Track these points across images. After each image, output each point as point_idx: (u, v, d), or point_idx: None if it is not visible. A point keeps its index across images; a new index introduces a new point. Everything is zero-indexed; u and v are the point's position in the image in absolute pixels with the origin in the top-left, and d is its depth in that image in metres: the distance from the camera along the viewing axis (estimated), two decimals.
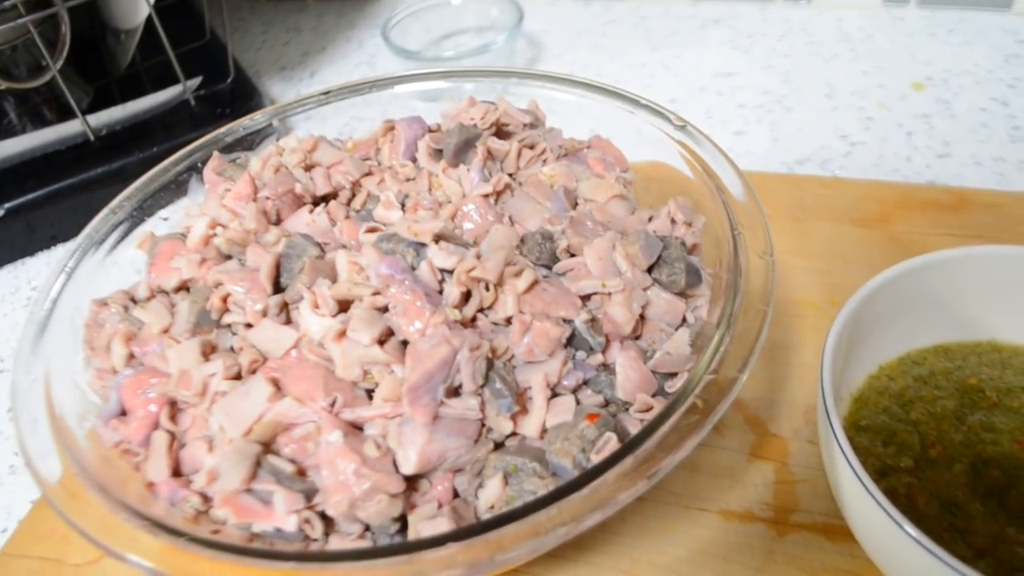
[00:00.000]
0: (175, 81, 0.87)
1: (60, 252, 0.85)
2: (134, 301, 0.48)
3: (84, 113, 0.82)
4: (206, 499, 0.40)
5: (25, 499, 0.62)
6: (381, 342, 0.40)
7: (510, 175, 0.52)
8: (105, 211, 0.54)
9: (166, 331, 0.45)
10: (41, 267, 0.84)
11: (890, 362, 0.51)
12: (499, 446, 0.40)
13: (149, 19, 0.83)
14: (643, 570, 0.48)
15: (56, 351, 0.47)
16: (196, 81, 0.87)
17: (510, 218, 0.49)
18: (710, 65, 0.95)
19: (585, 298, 0.43)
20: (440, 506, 0.38)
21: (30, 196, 0.82)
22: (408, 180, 0.53)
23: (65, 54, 0.82)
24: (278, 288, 0.46)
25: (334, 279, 0.44)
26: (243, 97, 0.90)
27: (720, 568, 0.48)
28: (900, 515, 0.37)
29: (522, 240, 0.45)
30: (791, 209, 0.70)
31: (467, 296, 0.42)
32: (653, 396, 0.41)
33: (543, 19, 1.06)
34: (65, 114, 0.86)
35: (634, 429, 0.40)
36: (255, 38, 1.11)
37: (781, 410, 0.55)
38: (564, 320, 0.41)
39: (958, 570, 0.35)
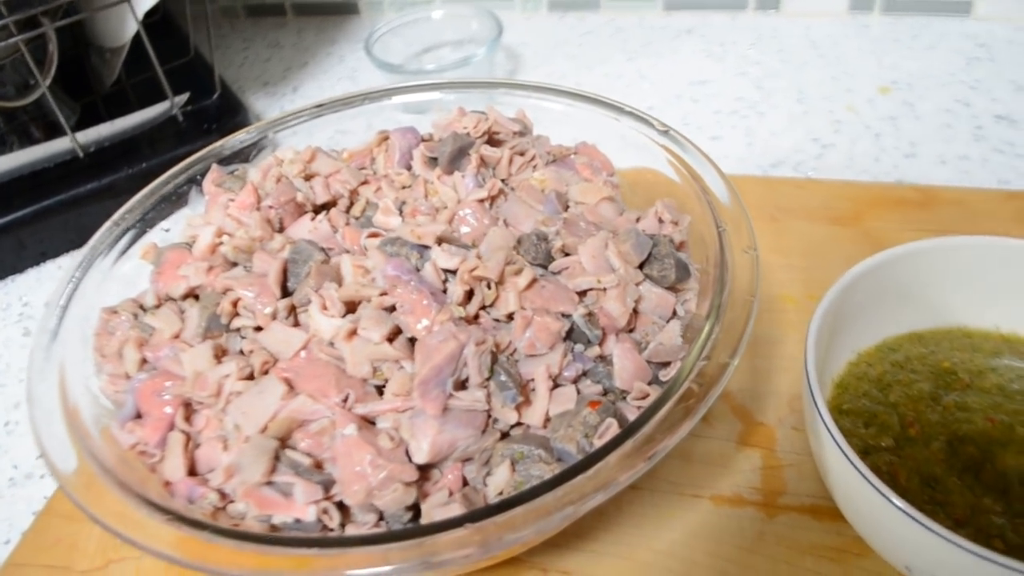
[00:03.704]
0: (160, 98, 0.89)
1: (50, 268, 0.86)
2: (143, 309, 0.50)
3: (72, 131, 0.83)
4: (223, 496, 0.42)
5: (27, 511, 0.63)
6: (390, 339, 0.42)
7: (503, 181, 0.54)
8: (108, 223, 0.56)
9: (177, 336, 0.47)
10: (32, 283, 0.85)
11: (868, 349, 0.54)
12: (504, 436, 0.42)
13: (135, 37, 0.84)
14: (642, 554, 0.50)
15: (69, 358, 0.48)
16: (184, 97, 0.88)
17: (504, 221, 0.51)
18: (685, 73, 0.98)
19: (581, 294, 0.45)
20: (451, 494, 0.40)
21: (20, 213, 0.83)
22: (404, 187, 0.55)
23: (53, 72, 0.83)
24: (285, 292, 0.47)
25: (339, 282, 0.46)
26: (229, 112, 0.92)
27: (714, 550, 0.50)
28: (886, 488, 0.39)
29: (519, 241, 0.47)
30: (768, 210, 0.73)
31: (469, 295, 0.44)
32: (648, 384, 0.43)
33: (520, 32, 1.09)
34: (52, 131, 0.87)
35: (632, 416, 0.42)
36: (236, 55, 1.13)
37: (766, 400, 0.58)
38: (563, 315, 0.43)
39: (943, 536, 0.38)
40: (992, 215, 0.71)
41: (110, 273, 0.55)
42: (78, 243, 0.87)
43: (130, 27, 0.85)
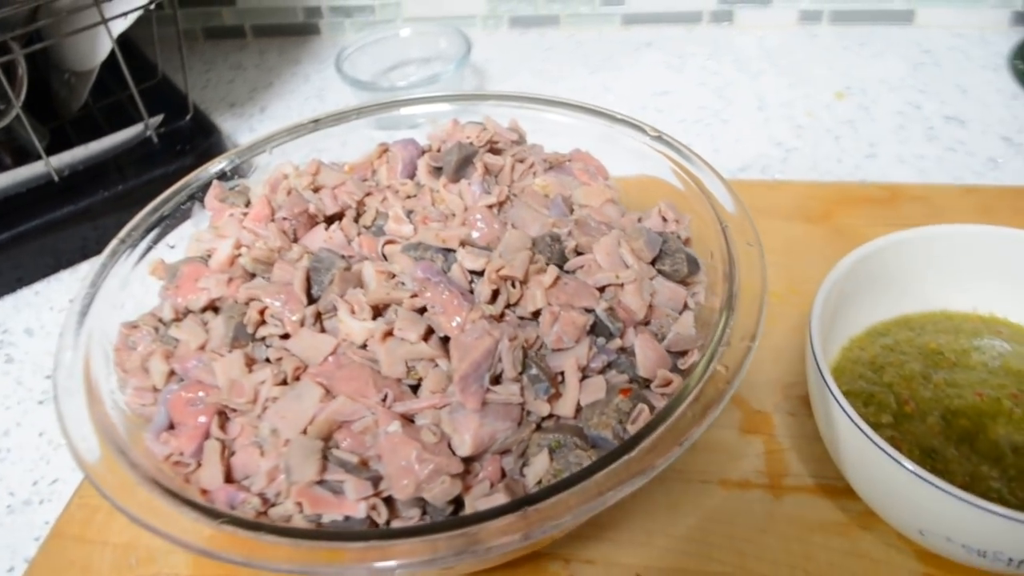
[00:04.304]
0: (130, 121, 0.88)
1: (27, 294, 0.85)
2: (162, 322, 0.50)
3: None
4: (264, 500, 0.43)
5: (28, 537, 0.62)
6: (424, 339, 0.44)
7: (507, 187, 0.56)
8: (115, 241, 0.56)
9: (202, 347, 0.48)
10: (8, 310, 0.83)
11: (859, 335, 0.57)
12: (538, 427, 0.43)
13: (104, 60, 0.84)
14: (660, 540, 0.52)
15: (95, 372, 0.48)
16: (158, 119, 0.88)
17: (512, 225, 0.53)
18: (647, 85, 1.01)
19: (601, 290, 0.47)
20: (492, 485, 0.42)
21: None
22: (409, 197, 0.56)
23: (23, 96, 0.82)
24: (310, 300, 0.49)
25: (362, 288, 0.48)
26: (202, 134, 0.92)
27: (728, 531, 0.52)
28: (899, 454, 0.42)
29: (533, 243, 0.49)
30: None
31: (494, 294, 0.46)
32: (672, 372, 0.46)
33: (484, 49, 1.11)
34: (22, 157, 0.86)
35: (657, 402, 0.44)
36: (199, 77, 1.13)
37: (761, 389, 0.61)
38: (587, 309, 0.45)
39: (954, 495, 0.40)
40: (953, 209, 0.75)
41: (119, 291, 0.55)
42: (54, 268, 0.86)
43: (101, 51, 0.85)
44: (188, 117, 0.91)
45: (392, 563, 0.36)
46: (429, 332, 0.44)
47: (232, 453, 0.45)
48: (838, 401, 0.45)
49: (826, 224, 0.74)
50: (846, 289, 0.54)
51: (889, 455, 0.42)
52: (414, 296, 0.45)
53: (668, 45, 1.08)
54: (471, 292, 0.46)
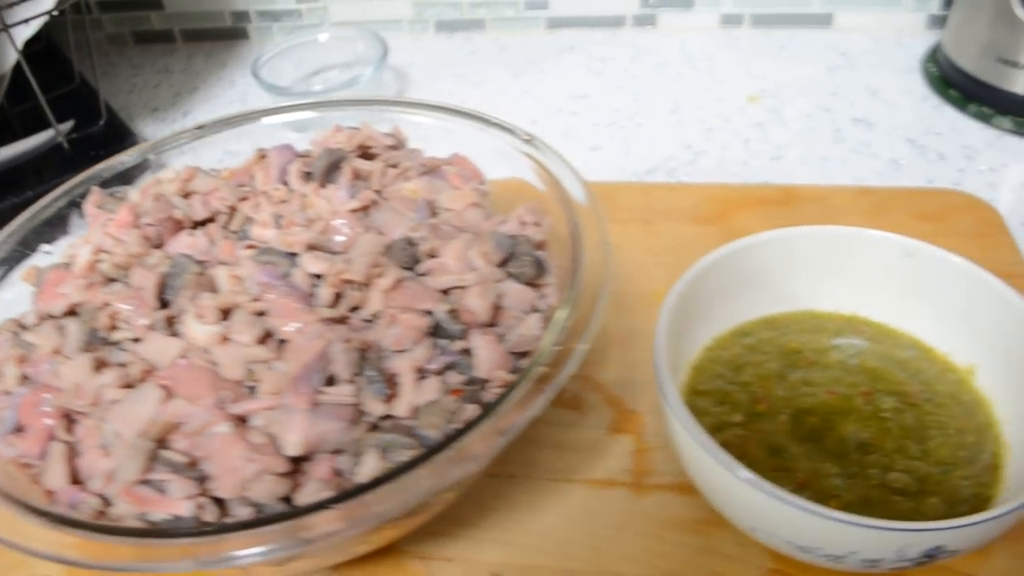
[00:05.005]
0: (46, 126, 0.89)
1: None
2: (23, 328, 0.51)
3: None
4: (105, 501, 0.43)
5: None
6: (261, 342, 0.44)
7: (377, 192, 0.57)
8: None
9: (57, 351, 0.48)
10: None
11: (723, 335, 0.58)
12: (375, 427, 0.44)
13: (17, 65, 0.84)
14: (520, 538, 0.53)
15: None
16: (68, 125, 0.89)
17: (378, 229, 0.53)
18: (566, 88, 1.02)
19: (446, 292, 0.48)
20: (324, 483, 0.42)
21: None
22: (281, 202, 0.57)
23: None
24: (164, 304, 0.49)
25: (215, 293, 0.48)
26: (116, 139, 0.92)
27: (585, 529, 0.53)
28: (731, 461, 0.43)
29: (389, 247, 0.50)
30: (641, 213, 0.77)
31: (338, 297, 0.46)
32: (512, 373, 0.46)
33: (409, 53, 1.12)
34: None
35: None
36: (125, 81, 1.13)
37: (637, 389, 0.62)
38: (426, 312, 0.46)
39: (782, 498, 0.41)
40: (848, 210, 0.76)
41: None
42: None
43: (10, 56, 0.85)
44: (101, 122, 0.92)
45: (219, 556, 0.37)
46: (268, 335, 0.45)
47: (79, 455, 0.45)
48: (672, 407, 0.46)
49: (720, 225, 0.75)
50: (709, 288, 0.55)
51: (721, 463, 0.43)
52: (255, 300, 0.46)
53: (592, 49, 1.09)
54: (313, 296, 0.47)
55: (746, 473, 0.43)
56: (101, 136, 0.92)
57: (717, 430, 0.51)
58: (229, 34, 1.18)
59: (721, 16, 1.09)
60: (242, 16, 1.16)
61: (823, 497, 0.47)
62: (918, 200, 0.77)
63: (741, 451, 0.50)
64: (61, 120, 0.89)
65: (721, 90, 0.99)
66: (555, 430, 0.59)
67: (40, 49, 0.98)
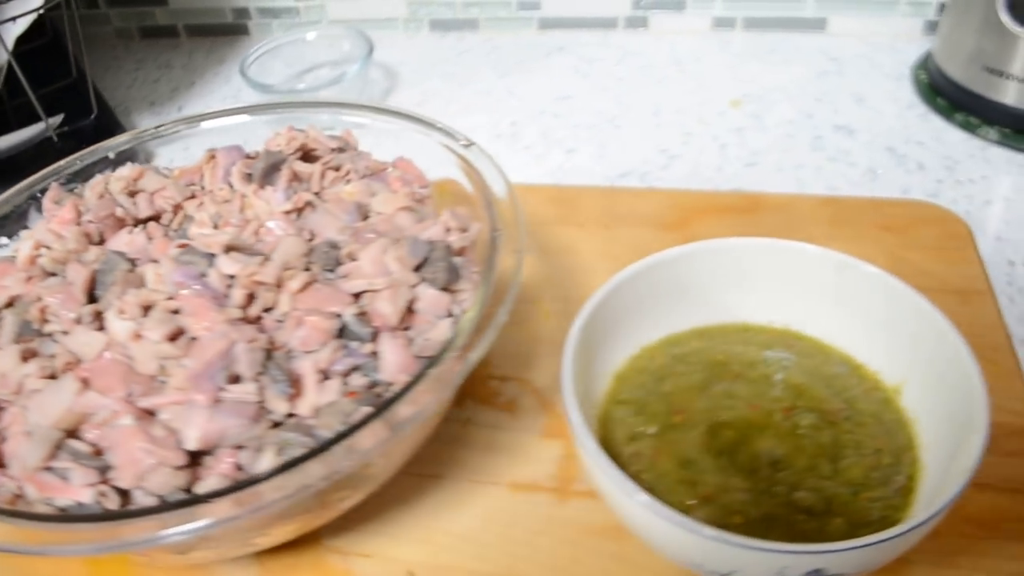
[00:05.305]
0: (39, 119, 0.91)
1: None
2: None
3: None
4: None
5: None
6: (173, 339, 0.46)
7: (316, 194, 0.58)
8: None
9: None
10: None
11: (652, 344, 0.58)
12: (278, 425, 0.45)
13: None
14: (438, 538, 0.54)
15: None
16: (58, 118, 0.91)
17: (310, 231, 0.55)
18: (551, 89, 1.03)
19: (357, 295, 0.49)
20: (223, 477, 0.44)
21: None
22: (225, 202, 0.58)
23: None
24: (94, 300, 0.51)
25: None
26: (108, 133, 0.94)
27: (505, 533, 0.54)
28: (628, 483, 0.43)
29: (311, 249, 0.51)
30: (602, 218, 0.77)
31: (251, 298, 0.48)
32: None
33: (401, 51, 1.13)
34: None
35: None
36: (127, 75, 1.16)
37: None
38: (335, 314, 0.47)
39: (671, 519, 0.41)
40: (812, 219, 0.76)
41: None
42: None
43: (2, 55, 0.88)
44: (92, 116, 0.94)
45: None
46: (180, 333, 0.47)
47: (4, 440, 0.47)
48: (572, 421, 0.47)
49: (680, 232, 0.75)
50: (638, 297, 0.56)
51: (617, 483, 0.43)
52: (170, 298, 0.47)
53: (581, 50, 1.10)
54: (227, 296, 0.48)
55: (642, 494, 0.43)
56: (92, 130, 0.94)
57: (631, 440, 0.52)
58: (230, 30, 1.20)
59: (713, 19, 1.09)
60: (243, 12, 1.18)
61: (726, 513, 0.48)
62: (885, 211, 0.76)
63: (651, 463, 0.50)
64: (56, 114, 0.92)
65: (705, 94, 0.99)
66: (487, 432, 0.60)
67: (46, 43, 1.01)
